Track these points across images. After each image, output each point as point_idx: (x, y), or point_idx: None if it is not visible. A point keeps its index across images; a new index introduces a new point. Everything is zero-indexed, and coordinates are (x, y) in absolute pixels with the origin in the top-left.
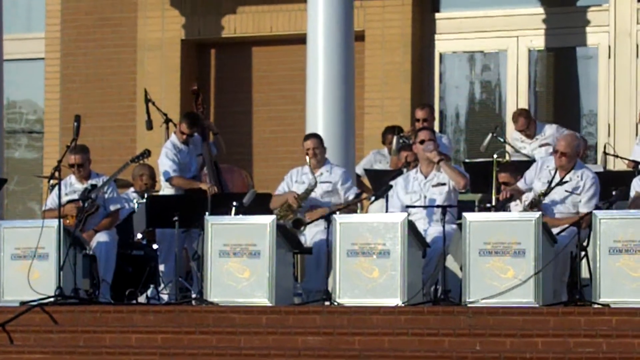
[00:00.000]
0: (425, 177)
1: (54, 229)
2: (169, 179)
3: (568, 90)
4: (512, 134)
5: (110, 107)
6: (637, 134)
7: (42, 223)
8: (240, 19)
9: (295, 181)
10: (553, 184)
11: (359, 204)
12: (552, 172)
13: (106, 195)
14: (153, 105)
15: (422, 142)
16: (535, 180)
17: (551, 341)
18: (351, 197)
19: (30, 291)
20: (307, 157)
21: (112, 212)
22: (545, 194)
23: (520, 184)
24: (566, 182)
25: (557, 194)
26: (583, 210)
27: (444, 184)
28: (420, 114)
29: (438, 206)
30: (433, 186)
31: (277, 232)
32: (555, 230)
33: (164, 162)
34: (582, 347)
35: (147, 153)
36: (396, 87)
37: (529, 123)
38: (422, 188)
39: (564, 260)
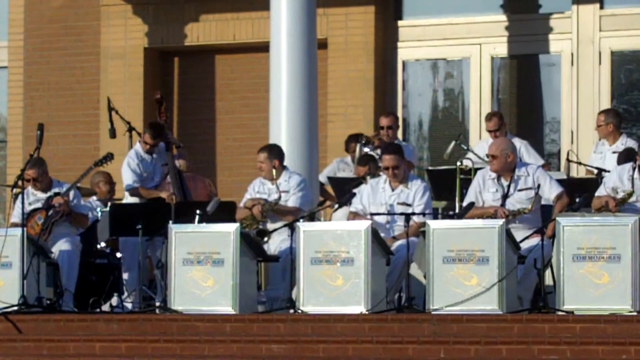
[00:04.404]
0: (393, 190)
1: (17, 238)
2: (129, 190)
3: (531, 97)
4: (477, 144)
5: (73, 115)
6: (599, 140)
7: (5, 232)
8: (203, 27)
9: (257, 192)
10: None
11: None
12: (496, 180)
13: (72, 203)
14: (116, 114)
15: (386, 168)
16: (484, 193)
17: (515, 348)
18: (290, 204)
19: None
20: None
21: (83, 214)
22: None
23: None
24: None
25: (513, 198)
26: (554, 194)
27: (409, 205)
28: (384, 121)
29: (401, 214)
30: (399, 204)
31: (241, 240)
32: (520, 239)
33: (125, 172)
34: (546, 354)
35: (110, 156)
36: (359, 94)
37: (501, 125)
38: (387, 201)
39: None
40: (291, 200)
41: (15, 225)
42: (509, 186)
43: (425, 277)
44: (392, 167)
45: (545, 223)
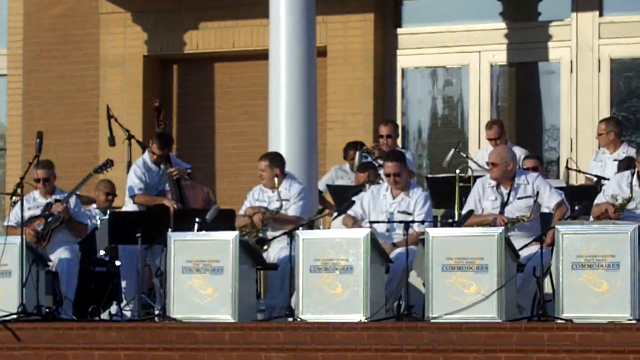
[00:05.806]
0: (394, 198)
1: (16, 246)
2: (132, 196)
3: (530, 105)
4: (477, 152)
5: (72, 123)
6: (599, 149)
7: (4, 240)
8: (202, 35)
9: (257, 199)
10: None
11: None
12: (496, 188)
13: (72, 210)
14: (115, 122)
15: (388, 175)
16: (483, 201)
17: (514, 356)
18: (290, 213)
19: None
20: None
21: (82, 222)
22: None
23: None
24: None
25: (512, 206)
26: (553, 202)
27: (409, 214)
28: (384, 129)
29: (400, 221)
30: (399, 212)
31: (240, 248)
32: (519, 247)
33: (131, 179)
34: None
35: (109, 163)
36: (358, 102)
37: (501, 133)
38: (387, 209)
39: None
40: (291, 209)
41: (12, 227)
42: (508, 194)
43: (424, 285)
44: (394, 174)
45: (545, 231)
